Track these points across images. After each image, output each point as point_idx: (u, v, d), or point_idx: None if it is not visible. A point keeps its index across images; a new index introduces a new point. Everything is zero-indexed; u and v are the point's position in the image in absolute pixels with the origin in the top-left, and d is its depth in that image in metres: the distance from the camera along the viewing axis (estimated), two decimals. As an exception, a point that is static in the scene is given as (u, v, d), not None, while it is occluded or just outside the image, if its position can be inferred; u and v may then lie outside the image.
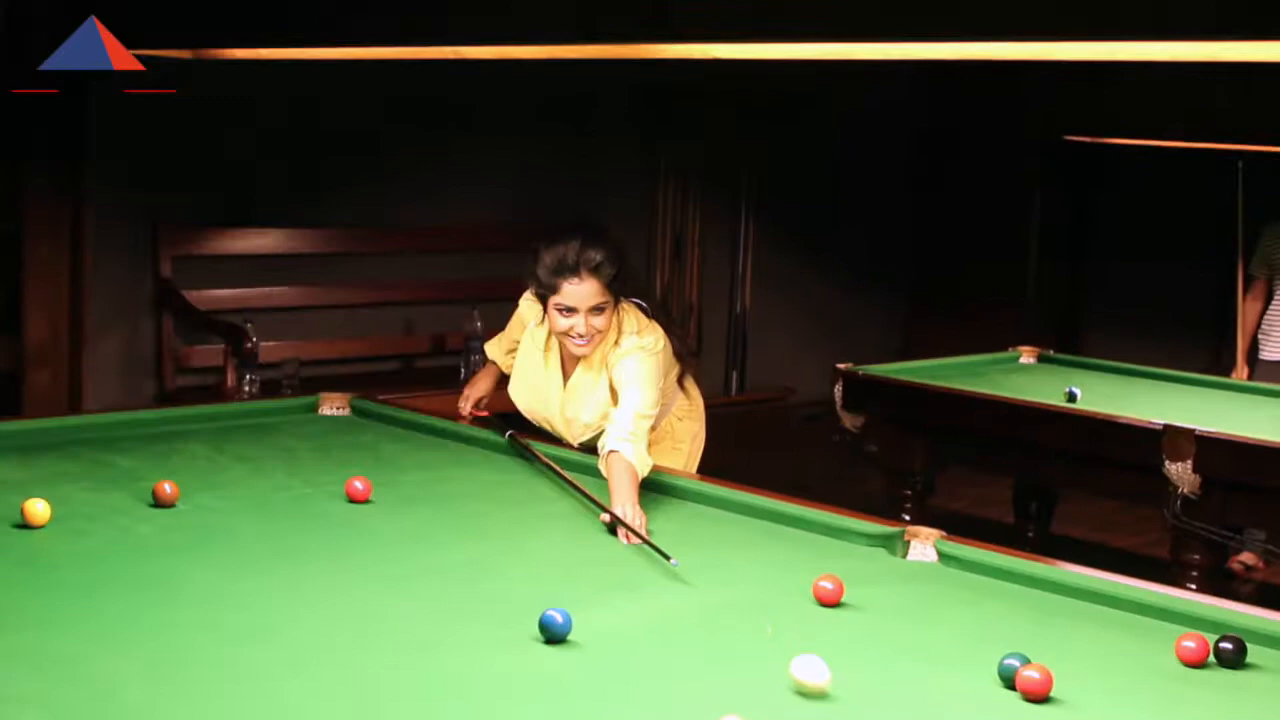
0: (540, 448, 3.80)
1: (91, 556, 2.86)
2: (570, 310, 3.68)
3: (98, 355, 6.06)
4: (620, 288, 3.76)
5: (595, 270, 3.66)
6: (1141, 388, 5.88)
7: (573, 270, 3.66)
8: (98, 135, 5.93)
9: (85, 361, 5.98)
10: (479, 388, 4.25)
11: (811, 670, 2.28)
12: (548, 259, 3.69)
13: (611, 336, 3.75)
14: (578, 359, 3.81)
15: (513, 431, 3.90)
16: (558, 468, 3.63)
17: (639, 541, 3.09)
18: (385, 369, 6.91)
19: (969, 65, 3.39)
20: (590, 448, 3.74)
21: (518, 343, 4.08)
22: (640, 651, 2.50)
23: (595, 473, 3.55)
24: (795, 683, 2.29)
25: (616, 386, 3.70)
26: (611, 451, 3.44)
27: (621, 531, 3.16)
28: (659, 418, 3.83)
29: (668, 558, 2.93)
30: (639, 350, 3.72)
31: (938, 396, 5.43)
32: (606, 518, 3.23)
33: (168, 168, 6.21)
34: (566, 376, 3.87)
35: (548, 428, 3.97)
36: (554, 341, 3.87)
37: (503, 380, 4.20)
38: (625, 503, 3.26)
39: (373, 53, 4.04)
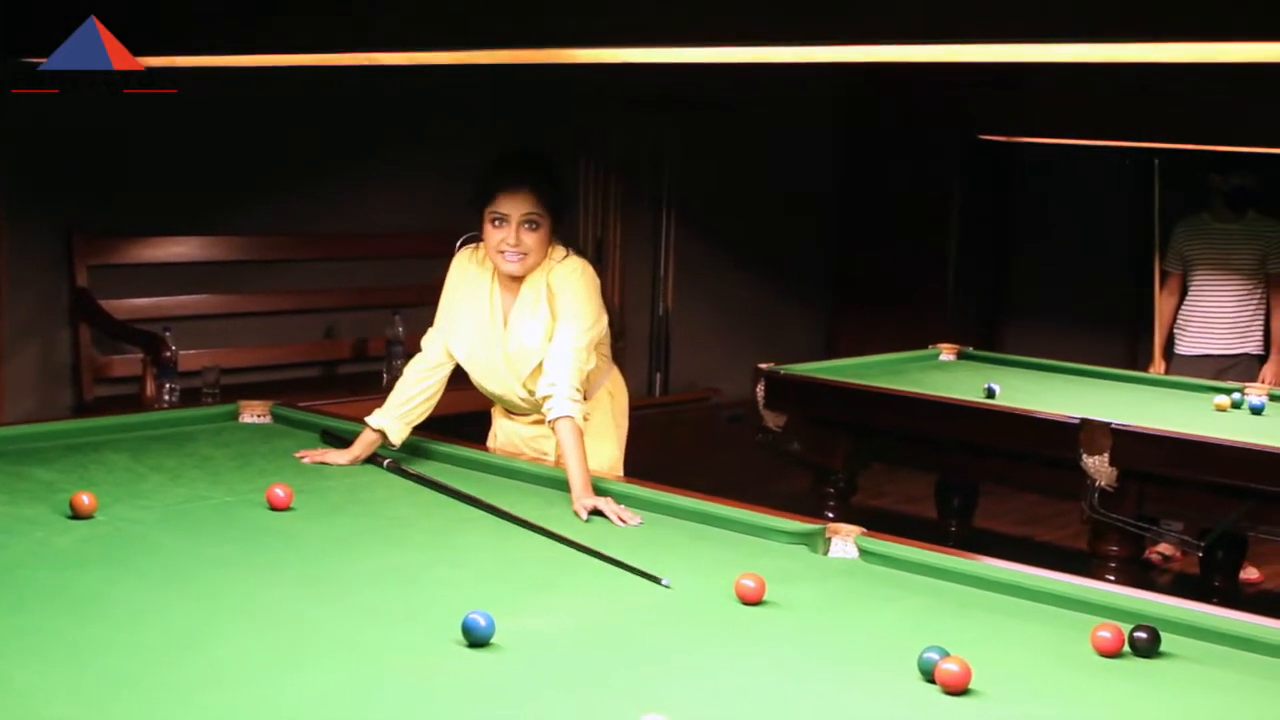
0: (420, 466, 3.78)
1: (7, 570, 2.82)
2: (502, 220, 3.69)
3: (13, 366, 5.98)
4: (557, 209, 3.76)
5: (532, 182, 3.70)
6: (1059, 383, 5.96)
7: (509, 179, 3.70)
8: (8, 142, 5.85)
9: (1, 373, 5.91)
10: (335, 455, 3.85)
11: None
12: (489, 170, 3.76)
13: (546, 263, 3.76)
14: (514, 298, 3.79)
15: (390, 460, 3.80)
16: (445, 483, 3.61)
17: (637, 522, 3.32)
18: (306, 375, 6.87)
19: (885, 65, 3.43)
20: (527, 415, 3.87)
21: (409, 407, 3.86)
22: (563, 653, 2.51)
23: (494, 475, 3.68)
24: None
25: (556, 313, 3.72)
26: (561, 418, 3.54)
27: (613, 514, 3.34)
28: (593, 386, 3.86)
29: (658, 581, 2.91)
30: (578, 270, 3.75)
31: (859, 395, 5.47)
32: (584, 515, 3.36)
33: (82, 175, 6.13)
34: (506, 319, 3.83)
35: (491, 383, 3.89)
36: (496, 287, 3.83)
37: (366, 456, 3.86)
38: (587, 493, 3.41)
39: (289, 59, 4.02)
